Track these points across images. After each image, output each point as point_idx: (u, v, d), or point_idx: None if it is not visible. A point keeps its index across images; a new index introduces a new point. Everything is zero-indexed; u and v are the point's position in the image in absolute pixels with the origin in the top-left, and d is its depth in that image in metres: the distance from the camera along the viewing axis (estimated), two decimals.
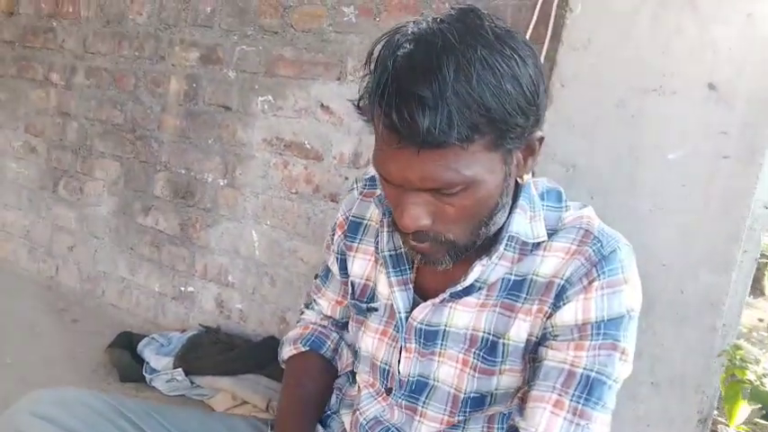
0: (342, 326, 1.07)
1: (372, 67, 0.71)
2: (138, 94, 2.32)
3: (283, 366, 1.06)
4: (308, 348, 1.03)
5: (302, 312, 1.12)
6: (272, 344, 1.86)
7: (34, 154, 2.70)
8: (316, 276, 1.11)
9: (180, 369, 1.82)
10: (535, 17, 1.50)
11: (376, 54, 0.71)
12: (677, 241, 1.26)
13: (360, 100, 0.75)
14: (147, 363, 1.88)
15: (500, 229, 0.81)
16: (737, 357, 1.18)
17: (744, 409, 1.19)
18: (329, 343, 1.04)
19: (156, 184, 2.28)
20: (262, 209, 2.01)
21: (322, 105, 1.87)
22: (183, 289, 2.22)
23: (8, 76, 2.78)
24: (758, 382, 1.15)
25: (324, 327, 1.07)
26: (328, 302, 1.07)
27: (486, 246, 0.81)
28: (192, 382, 1.82)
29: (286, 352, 1.05)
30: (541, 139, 0.77)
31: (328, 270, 1.06)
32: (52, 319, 2.29)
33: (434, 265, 0.79)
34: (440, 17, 0.71)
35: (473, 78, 0.65)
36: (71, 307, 2.42)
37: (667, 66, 1.25)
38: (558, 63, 1.39)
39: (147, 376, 1.85)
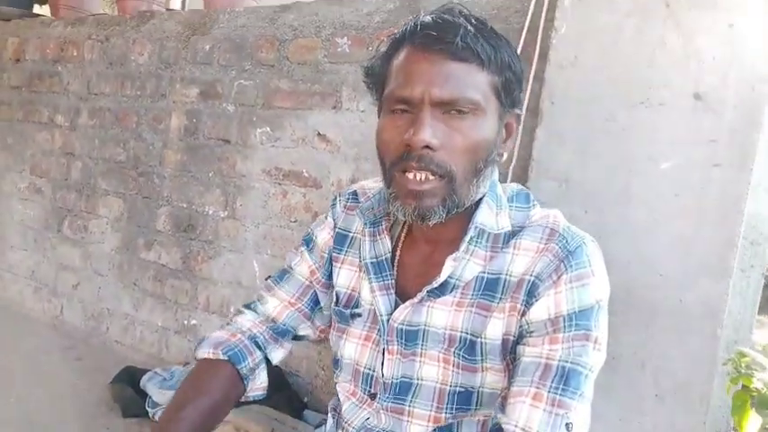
0: (279, 333, 1.03)
1: (394, 36, 0.86)
2: (141, 131, 2.37)
3: (194, 361, 1.01)
4: (226, 359, 0.96)
5: (238, 312, 1.05)
6: (276, 374, 1.84)
7: (39, 195, 2.74)
8: (267, 278, 1.09)
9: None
10: (522, 39, 1.54)
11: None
12: (674, 250, 1.25)
13: (370, 66, 0.89)
14: (150, 397, 1.87)
15: (467, 225, 0.87)
16: (743, 365, 1.15)
17: (754, 419, 1.15)
18: (249, 361, 0.98)
19: (158, 219, 2.31)
20: (262, 238, 2.02)
21: (319, 134, 1.90)
22: (186, 322, 2.21)
23: (15, 120, 2.84)
24: (765, 390, 1.12)
25: (253, 339, 1.00)
26: (279, 302, 1.04)
27: (456, 242, 0.87)
28: None
29: (202, 352, 0.98)
30: (518, 119, 0.89)
31: (285, 271, 1.06)
32: (57, 358, 2.28)
33: (426, 215, 0.82)
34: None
35: (489, 28, 0.84)
36: (76, 345, 2.42)
37: (653, 78, 1.27)
38: (546, 81, 1.41)
39: (150, 411, 1.84)
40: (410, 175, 0.81)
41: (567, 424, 0.77)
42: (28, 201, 2.79)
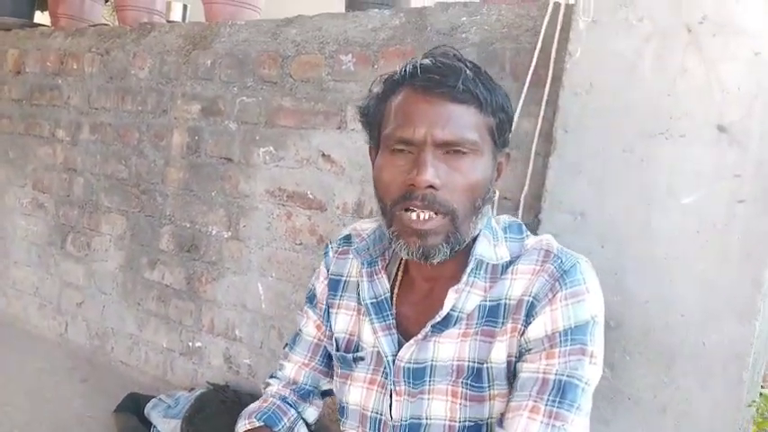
0: (304, 394, 1.07)
1: (390, 77, 0.90)
2: (142, 147, 2.32)
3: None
4: (262, 424, 1.01)
5: (266, 384, 1.11)
6: None
7: (42, 210, 2.70)
8: (285, 346, 1.12)
9: None
10: (534, 61, 1.47)
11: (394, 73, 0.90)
12: (696, 290, 1.19)
13: (366, 106, 0.92)
14: (155, 426, 1.83)
15: (466, 259, 0.89)
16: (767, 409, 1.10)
17: None
18: (285, 420, 1.02)
19: (161, 238, 2.26)
20: (267, 261, 1.97)
21: (323, 155, 1.84)
22: (190, 344, 2.18)
23: (16, 134, 2.81)
24: None
25: (284, 400, 1.06)
26: (293, 365, 1.08)
27: (456, 277, 0.89)
28: None
29: (240, 426, 1.03)
30: (507, 159, 0.94)
31: (297, 334, 1.09)
32: (61, 380, 2.25)
33: (431, 253, 0.84)
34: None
35: (483, 72, 0.88)
36: (81, 365, 2.39)
37: (674, 108, 1.21)
38: (560, 108, 1.35)
39: None
40: (413, 215, 0.83)
41: None
42: (31, 216, 2.75)
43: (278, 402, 1.04)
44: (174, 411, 1.86)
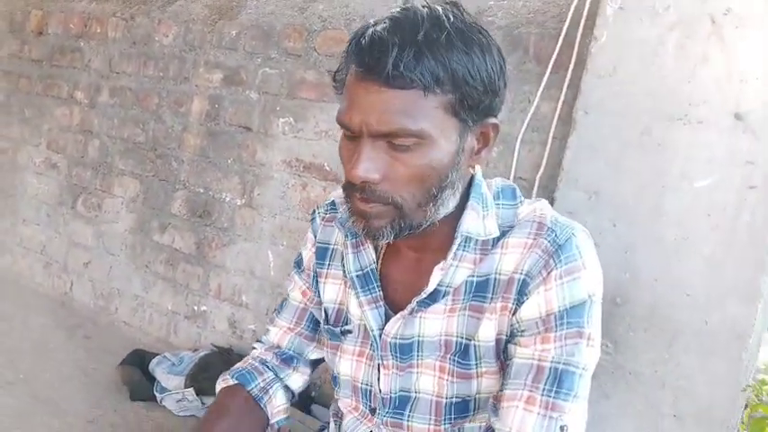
0: (287, 359, 1.03)
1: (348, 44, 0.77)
2: (161, 113, 2.35)
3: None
4: (236, 382, 0.99)
5: (253, 348, 1.08)
6: None
7: (55, 170, 2.73)
8: (273, 311, 1.11)
9: (191, 389, 1.80)
10: (558, 46, 1.52)
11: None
12: (703, 271, 1.24)
13: (337, 72, 0.79)
14: (158, 382, 1.86)
15: (454, 231, 0.83)
16: (764, 392, 1.14)
17: None
18: (259, 380, 0.99)
19: (174, 203, 2.30)
20: (279, 229, 2.01)
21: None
22: (196, 308, 2.21)
23: (34, 94, 2.83)
24: None
25: (263, 363, 1.03)
26: (278, 330, 1.04)
27: (443, 248, 0.83)
28: (202, 403, 1.80)
29: (218, 384, 1.02)
30: (496, 128, 0.81)
31: (284, 300, 1.06)
32: (65, 336, 2.28)
33: (375, 235, 0.79)
34: (428, 3, 0.77)
35: (443, 37, 0.72)
36: (84, 323, 2.42)
37: (693, 95, 1.25)
38: (582, 90, 1.39)
39: (158, 395, 1.84)
40: (357, 197, 0.78)
41: (561, 427, 0.76)
42: (43, 175, 2.78)
43: (256, 364, 1.02)
44: (178, 369, 1.89)
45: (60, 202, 2.70)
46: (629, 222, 1.31)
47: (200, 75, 2.24)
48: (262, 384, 0.99)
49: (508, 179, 1.03)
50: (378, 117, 0.72)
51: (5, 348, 2.05)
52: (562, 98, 1.50)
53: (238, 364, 1.04)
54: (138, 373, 1.88)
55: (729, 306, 1.21)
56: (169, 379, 1.85)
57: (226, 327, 2.13)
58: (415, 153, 0.74)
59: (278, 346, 1.04)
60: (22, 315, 2.40)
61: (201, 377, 1.83)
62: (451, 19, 0.74)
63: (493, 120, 0.80)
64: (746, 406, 1.34)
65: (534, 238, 0.81)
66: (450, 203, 0.80)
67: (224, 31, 2.19)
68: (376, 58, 0.71)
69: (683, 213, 1.26)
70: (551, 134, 1.52)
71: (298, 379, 1.03)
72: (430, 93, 0.71)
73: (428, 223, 0.79)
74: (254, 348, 1.07)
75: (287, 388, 1.02)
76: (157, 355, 1.98)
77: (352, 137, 0.76)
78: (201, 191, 2.22)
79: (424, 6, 0.75)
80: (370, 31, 0.73)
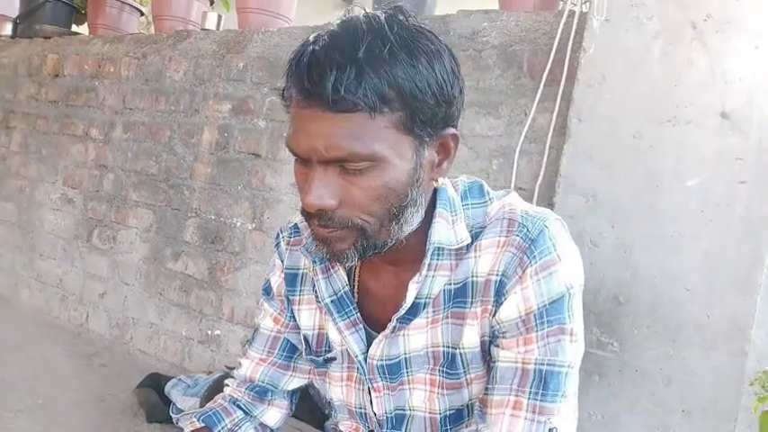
0: (261, 393, 0.99)
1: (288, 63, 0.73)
2: (173, 145, 2.44)
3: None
4: (201, 425, 0.95)
5: (226, 386, 1.03)
6: None
7: (71, 205, 2.81)
8: (245, 344, 1.08)
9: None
10: (550, 61, 1.59)
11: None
12: (701, 266, 1.27)
13: (283, 90, 0.75)
14: (174, 403, 1.89)
15: (424, 243, 0.80)
16: None
17: None
18: (226, 421, 0.96)
19: (186, 231, 2.36)
20: None
21: None
22: (209, 332, 2.25)
23: (51, 133, 2.94)
24: None
25: (233, 402, 0.99)
26: (250, 363, 1.00)
27: (418, 259, 0.81)
28: None
29: (185, 426, 0.98)
30: (455, 138, 0.77)
31: (255, 330, 1.02)
32: (81, 364, 2.32)
33: (340, 258, 0.76)
34: (369, 12, 0.73)
35: (386, 51, 0.67)
36: (100, 352, 2.46)
37: (680, 97, 1.31)
38: (574, 100, 1.45)
39: (174, 416, 1.86)
40: (315, 223, 0.75)
41: (550, 429, 0.75)
42: (59, 211, 2.86)
43: (225, 404, 0.98)
44: (193, 391, 1.92)
45: (76, 235, 2.77)
46: (626, 222, 1.35)
47: (210, 106, 2.33)
48: (230, 426, 0.96)
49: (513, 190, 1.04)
50: (325, 143, 0.68)
51: (25, 376, 2.09)
52: (556, 109, 1.56)
53: (208, 405, 1.00)
54: (154, 394, 1.91)
55: (729, 299, 1.24)
56: (184, 400, 1.87)
57: (239, 349, 2.16)
58: (370, 175, 0.71)
59: (251, 380, 0.99)
60: (40, 346, 2.44)
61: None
62: (395, 28, 0.69)
63: (451, 130, 0.76)
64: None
65: (506, 236, 0.79)
66: (414, 220, 0.77)
67: (232, 64, 2.28)
68: (315, 82, 0.67)
69: (677, 211, 1.30)
70: (548, 144, 1.58)
71: (274, 414, 0.99)
72: (377, 114, 0.68)
73: (393, 242, 0.76)
74: (226, 386, 1.02)
75: (263, 426, 0.99)
76: (173, 378, 2.01)
77: (304, 161, 0.73)
78: (213, 217, 2.28)
79: (364, 16, 0.71)
80: (309, 50, 0.68)
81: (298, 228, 0.97)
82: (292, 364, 0.99)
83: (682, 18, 1.32)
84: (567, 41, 1.56)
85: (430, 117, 0.72)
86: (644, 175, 1.34)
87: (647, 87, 1.35)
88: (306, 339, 0.95)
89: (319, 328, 0.93)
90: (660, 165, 1.32)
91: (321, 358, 0.92)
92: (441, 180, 0.81)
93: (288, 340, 0.98)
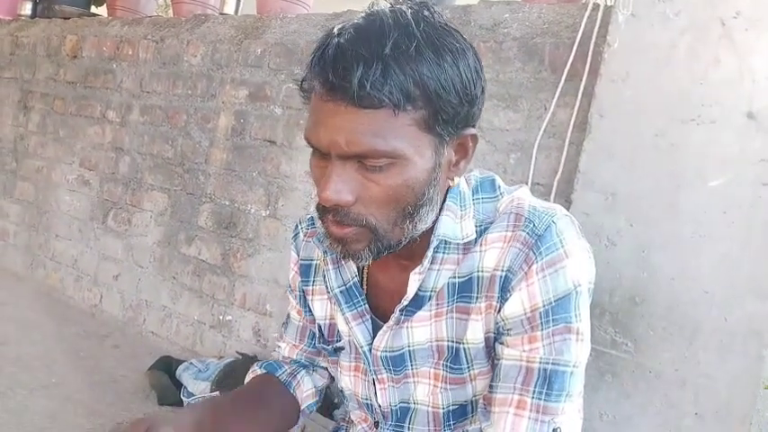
0: (302, 365, 1.05)
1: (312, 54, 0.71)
2: (189, 129, 2.44)
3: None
4: (264, 371, 1.02)
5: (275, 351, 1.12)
6: None
7: (87, 187, 2.83)
8: (282, 325, 1.13)
9: (216, 393, 1.84)
10: (573, 54, 1.56)
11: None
12: (720, 268, 1.25)
13: (303, 81, 0.74)
14: (185, 387, 1.91)
15: (430, 235, 0.80)
16: None
17: None
18: (286, 368, 1.02)
19: (200, 215, 2.37)
20: None
21: None
22: (221, 317, 2.26)
23: (68, 114, 2.95)
24: None
25: (284, 360, 1.06)
26: (287, 345, 1.05)
27: (420, 254, 0.80)
28: None
29: (247, 378, 1.04)
30: (474, 139, 0.77)
31: (288, 317, 1.07)
32: (95, 345, 2.35)
33: (354, 257, 0.76)
34: (394, 5, 0.72)
35: (412, 48, 0.66)
36: (113, 333, 2.49)
37: (705, 95, 1.28)
38: (596, 95, 1.43)
39: (185, 399, 1.88)
40: (331, 220, 0.75)
41: (554, 430, 0.74)
42: (75, 192, 2.88)
43: (278, 359, 1.05)
44: (204, 375, 1.94)
45: (92, 217, 2.79)
46: (645, 222, 1.34)
47: (227, 92, 2.33)
48: (289, 371, 1.01)
49: (526, 185, 1.03)
50: (346, 138, 0.67)
51: (40, 354, 2.12)
52: (577, 104, 1.54)
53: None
54: (165, 377, 1.93)
55: (747, 303, 1.23)
56: (195, 384, 1.89)
57: (250, 335, 2.17)
58: (389, 173, 0.70)
59: (290, 358, 1.05)
60: (55, 325, 2.48)
61: (226, 383, 1.88)
62: (421, 25, 0.68)
63: (471, 130, 0.76)
64: None
65: (513, 231, 0.77)
66: (428, 218, 0.77)
67: (249, 50, 2.27)
68: (341, 76, 0.66)
69: (698, 211, 1.28)
70: (568, 140, 1.56)
71: (318, 378, 1.04)
72: (401, 111, 0.67)
73: (407, 240, 0.76)
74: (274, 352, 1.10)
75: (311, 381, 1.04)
76: (184, 361, 2.03)
77: (322, 155, 0.72)
78: (227, 203, 2.29)
79: (390, 10, 0.70)
80: (334, 42, 0.67)
81: (313, 220, 0.99)
82: (319, 352, 1.03)
83: (710, 14, 1.29)
84: (591, 35, 1.53)
85: (452, 116, 0.71)
86: (665, 175, 1.32)
87: (672, 85, 1.32)
88: (319, 328, 0.97)
89: (330, 318, 0.95)
90: (682, 164, 1.30)
91: (331, 347, 0.94)
92: (456, 179, 0.80)
93: (312, 331, 1.01)
